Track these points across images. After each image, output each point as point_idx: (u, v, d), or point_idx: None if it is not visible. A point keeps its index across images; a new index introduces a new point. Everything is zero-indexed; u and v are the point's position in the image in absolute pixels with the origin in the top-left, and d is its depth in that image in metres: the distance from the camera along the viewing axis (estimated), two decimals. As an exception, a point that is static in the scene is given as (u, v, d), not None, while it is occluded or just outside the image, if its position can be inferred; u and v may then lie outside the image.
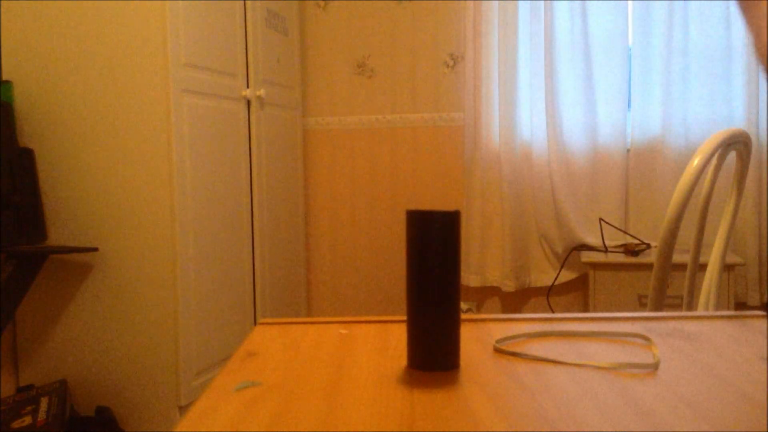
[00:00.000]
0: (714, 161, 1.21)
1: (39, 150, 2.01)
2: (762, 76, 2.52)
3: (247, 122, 2.41)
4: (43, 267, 2.01)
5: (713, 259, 1.21)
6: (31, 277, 1.94)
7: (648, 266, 2.42)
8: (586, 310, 2.89)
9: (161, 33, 1.91)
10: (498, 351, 0.53)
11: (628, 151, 2.70)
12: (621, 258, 2.48)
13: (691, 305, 1.18)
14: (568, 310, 2.97)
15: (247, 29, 2.42)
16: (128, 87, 1.95)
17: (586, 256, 2.52)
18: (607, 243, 2.70)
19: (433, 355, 0.48)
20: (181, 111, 1.97)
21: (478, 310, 3.03)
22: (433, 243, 0.47)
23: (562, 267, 2.82)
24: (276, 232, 2.68)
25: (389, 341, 0.57)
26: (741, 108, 2.56)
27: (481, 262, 2.86)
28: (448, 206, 3.01)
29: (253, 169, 2.46)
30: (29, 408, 1.87)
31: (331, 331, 0.61)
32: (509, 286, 2.80)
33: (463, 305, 2.99)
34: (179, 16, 1.97)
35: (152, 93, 1.93)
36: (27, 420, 1.83)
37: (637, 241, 2.66)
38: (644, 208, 2.72)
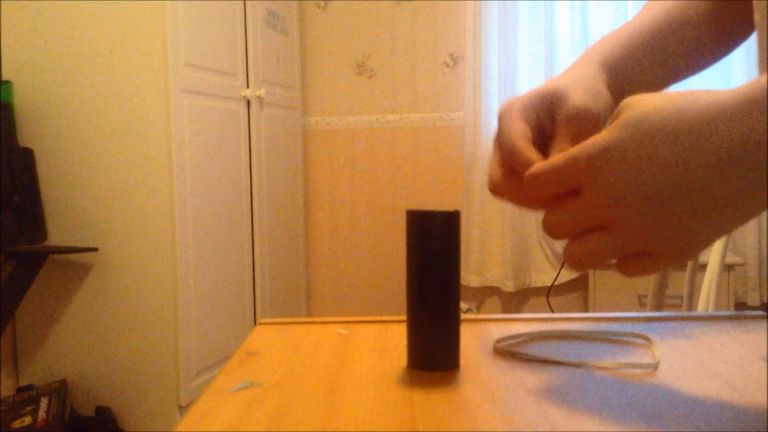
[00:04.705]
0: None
1: (39, 150, 2.01)
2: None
3: (247, 122, 2.41)
4: (43, 267, 2.01)
5: (713, 259, 1.21)
6: (31, 277, 1.94)
7: (648, 266, 2.42)
8: (586, 310, 2.89)
9: (161, 33, 1.91)
10: (498, 351, 0.53)
11: (628, 151, 2.70)
12: (621, 258, 2.47)
13: (691, 305, 1.18)
14: (568, 310, 2.97)
15: (247, 29, 2.42)
16: (128, 87, 1.94)
17: (586, 256, 2.52)
18: (607, 243, 2.70)
19: (433, 355, 0.48)
20: (181, 111, 1.97)
21: (478, 310, 3.03)
22: (433, 243, 0.47)
23: (561, 267, 2.82)
24: (276, 232, 2.67)
25: (389, 341, 0.57)
26: (741, 108, 2.56)
27: (481, 262, 2.86)
28: (448, 206, 3.01)
29: (253, 169, 2.46)
30: (29, 408, 1.87)
31: (331, 331, 0.61)
32: (509, 286, 2.80)
33: (463, 305, 2.99)
34: (179, 16, 1.97)
35: (152, 93, 1.93)
36: (27, 420, 1.83)
37: (637, 241, 2.66)
38: (644, 208, 2.72)
